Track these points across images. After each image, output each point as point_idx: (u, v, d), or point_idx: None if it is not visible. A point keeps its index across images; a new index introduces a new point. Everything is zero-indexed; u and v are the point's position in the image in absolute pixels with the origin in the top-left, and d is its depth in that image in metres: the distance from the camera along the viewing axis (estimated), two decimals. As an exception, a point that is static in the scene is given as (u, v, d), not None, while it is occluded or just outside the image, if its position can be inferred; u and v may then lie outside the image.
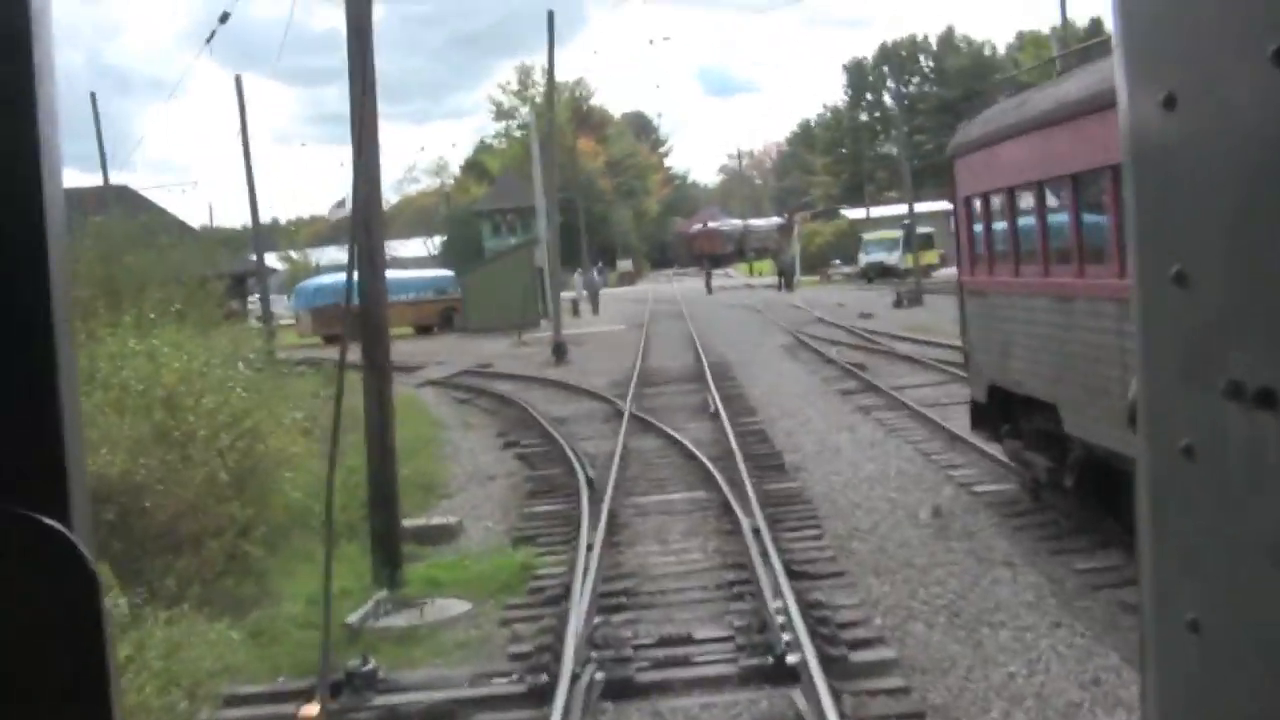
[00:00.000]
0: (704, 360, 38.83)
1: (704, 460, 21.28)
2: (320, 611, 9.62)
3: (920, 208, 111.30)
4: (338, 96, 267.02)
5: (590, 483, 20.16)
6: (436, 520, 19.09)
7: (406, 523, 18.83)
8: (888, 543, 15.68)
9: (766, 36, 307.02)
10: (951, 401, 26.55)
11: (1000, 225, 16.28)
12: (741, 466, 20.29)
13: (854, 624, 12.42)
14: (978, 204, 17.26)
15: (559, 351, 43.91)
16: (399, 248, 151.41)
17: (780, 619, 12.16)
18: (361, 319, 15.94)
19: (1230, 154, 1.32)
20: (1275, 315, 1.26)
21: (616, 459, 22.07)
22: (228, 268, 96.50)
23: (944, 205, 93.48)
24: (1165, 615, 1.45)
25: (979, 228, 17.32)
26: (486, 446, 27.16)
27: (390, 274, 62.13)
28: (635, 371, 37.13)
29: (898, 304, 59.51)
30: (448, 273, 72.98)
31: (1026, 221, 15.48)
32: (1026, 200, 15.33)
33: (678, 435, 24.41)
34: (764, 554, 14.67)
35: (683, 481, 20.58)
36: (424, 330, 68.02)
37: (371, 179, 15.69)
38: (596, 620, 13.11)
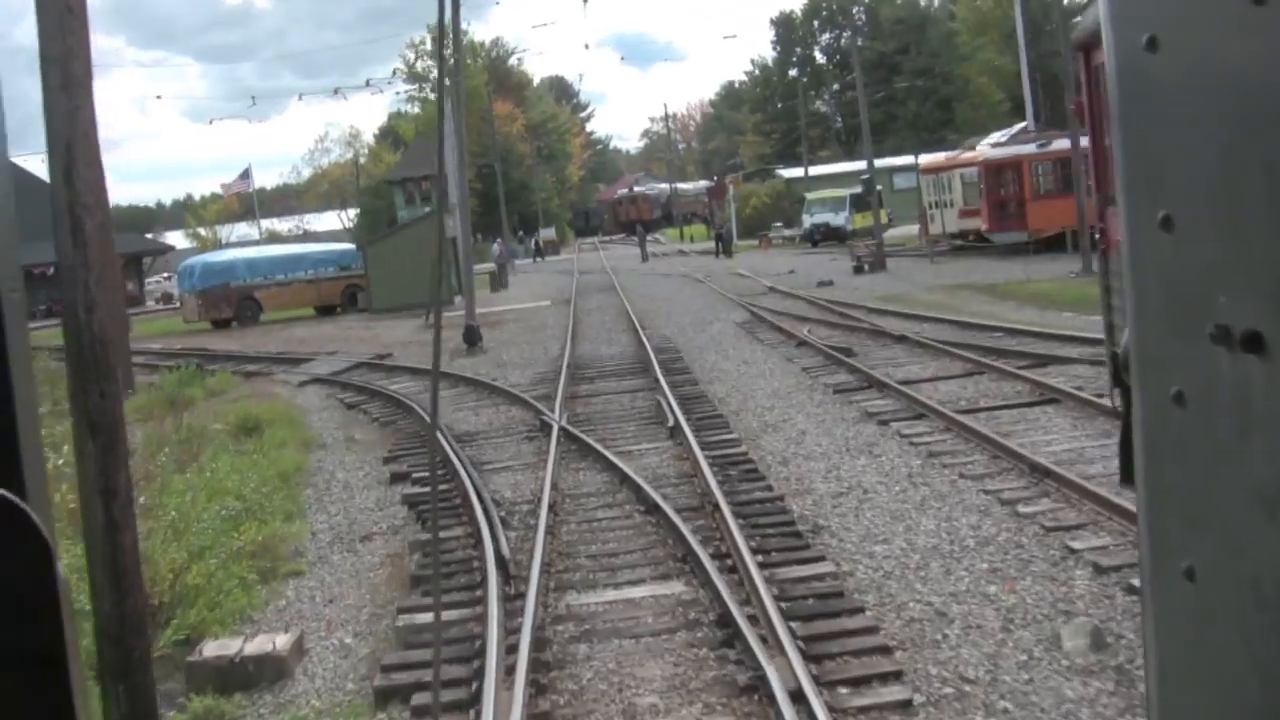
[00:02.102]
0: (647, 345, 31.79)
1: (672, 516, 14.25)
2: None
3: (861, 165, 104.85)
4: (253, 71, 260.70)
5: (504, 564, 13.10)
6: (257, 645, 11.87)
7: (211, 649, 11.79)
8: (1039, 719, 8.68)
9: (682, 4, 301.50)
10: (996, 405, 19.72)
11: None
12: (732, 528, 13.30)
13: None
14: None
15: (471, 337, 36.61)
16: (313, 221, 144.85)
17: None
18: (70, 332, 8.71)
19: (1213, 96, 1.30)
20: (1261, 258, 1.26)
21: (543, 514, 15.02)
22: (123, 248, 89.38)
23: (889, 161, 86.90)
24: (1162, 564, 1.45)
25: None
26: (368, 480, 20.06)
27: (287, 249, 54.85)
28: (564, 362, 30.05)
29: (858, 269, 52.68)
30: (349, 246, 65.28)
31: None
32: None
33: (628, 466, 17.36)
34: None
35: (647, 560, 13.42)
36: (327, 311, 60.63)
37: (75, 89, 8.55)
38: None
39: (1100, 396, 18.42)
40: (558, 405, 23.31)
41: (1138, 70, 1.41)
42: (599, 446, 18.93)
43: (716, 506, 14.41)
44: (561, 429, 20.69)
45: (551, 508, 15.49)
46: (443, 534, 15.53)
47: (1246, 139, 1.26)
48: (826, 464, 17.14)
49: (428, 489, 18.33)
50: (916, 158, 78.43)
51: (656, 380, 25.54)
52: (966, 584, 11.55)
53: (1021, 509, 13.67)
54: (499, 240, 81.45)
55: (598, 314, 44.93)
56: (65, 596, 1.32)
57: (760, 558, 12.48)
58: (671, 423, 20.23)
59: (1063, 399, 19.36)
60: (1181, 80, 1.35)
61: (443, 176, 46.56)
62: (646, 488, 15.79)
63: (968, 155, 58.45)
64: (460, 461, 18.77)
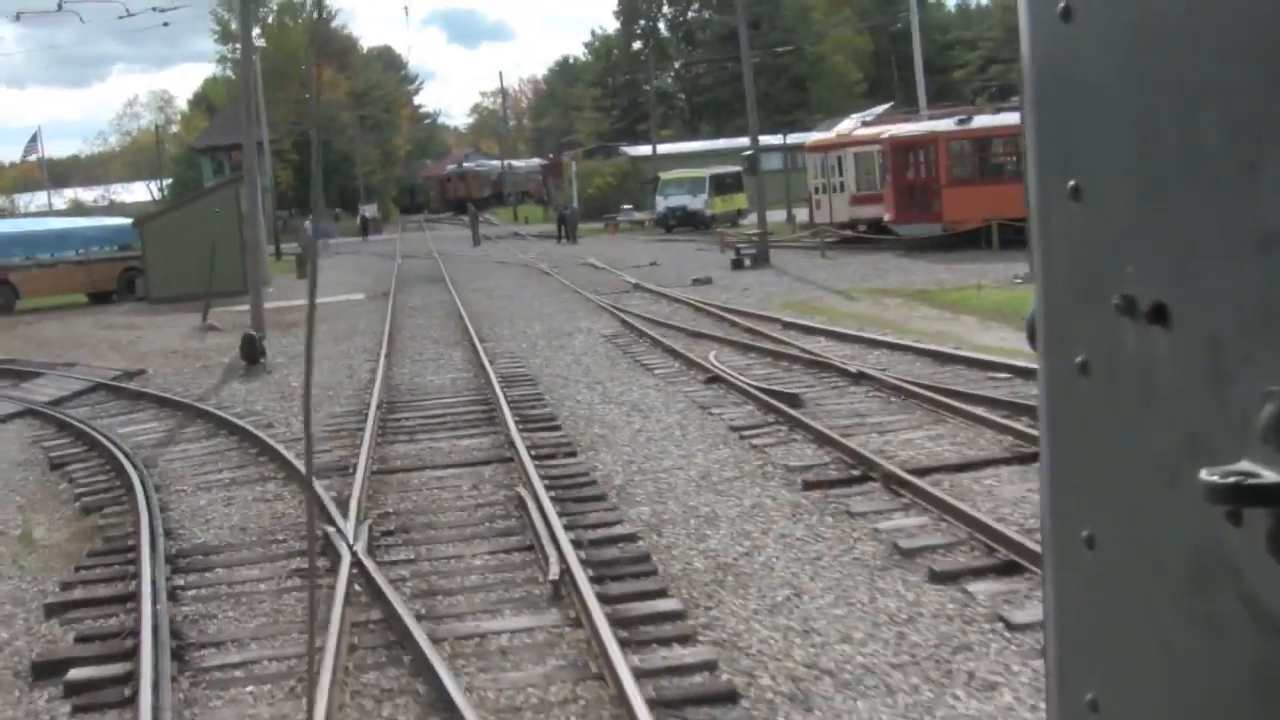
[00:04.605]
0: (490, 370, 22.90)
1: None
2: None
3: (714, 144, 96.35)
4: (72, 37, 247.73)
5: None
6: None
7: None
8: None
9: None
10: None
11: None
12: None
13: None
14: None
15: (250, 349, 27.06)
16: (121, 192, 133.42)
17: None
18: None
19: (1126, 67, 1.31)
20: (1169, 230, 1.27)
21: None
22: None
23: (744, 141, 78.79)
24: (1063, 531, 1.45)
25: None
26: (5, 662, 10.90)
27: (52, 223, 43.27)
28: (373, 395, 21.06)
29: (738, 264, 43.88)
30: (127, 222, 54.60)
31: None
32: None
33: (490, 713, 8.52)
34: None
35: None
36: (102, 298, 50.38)
37: None
38: None
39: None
40: (356, 496, 14.29)
41: (1051, 39, 1.39)
42: (422, 633, 9.89)
43: None
44: (357, 565, 11.67)
45: None
46: None
47: (1158, 110, 1.25)
48: (893, 713, 8.31)
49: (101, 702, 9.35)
50: (785, 137, 70.08)
51: (511, 443, 16.70)
52: None
53: None
54: (310, 218, 71.67)
55: (423, 315, 35.72)
56: None
57: None
58: (556, 569, 11.20)
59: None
60: (1094, 49, 1.34)
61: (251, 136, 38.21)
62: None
63: (865, 131, 49.98)
64: (154, 659, 9.76)
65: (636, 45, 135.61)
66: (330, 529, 13.04)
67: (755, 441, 16.41)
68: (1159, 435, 1.28)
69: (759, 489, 14.16)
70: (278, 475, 16.50)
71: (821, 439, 15.90)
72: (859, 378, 19.86)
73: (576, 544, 11.96)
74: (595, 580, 10.90)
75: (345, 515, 13.45)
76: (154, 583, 11.77)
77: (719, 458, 15.78)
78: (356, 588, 11.28)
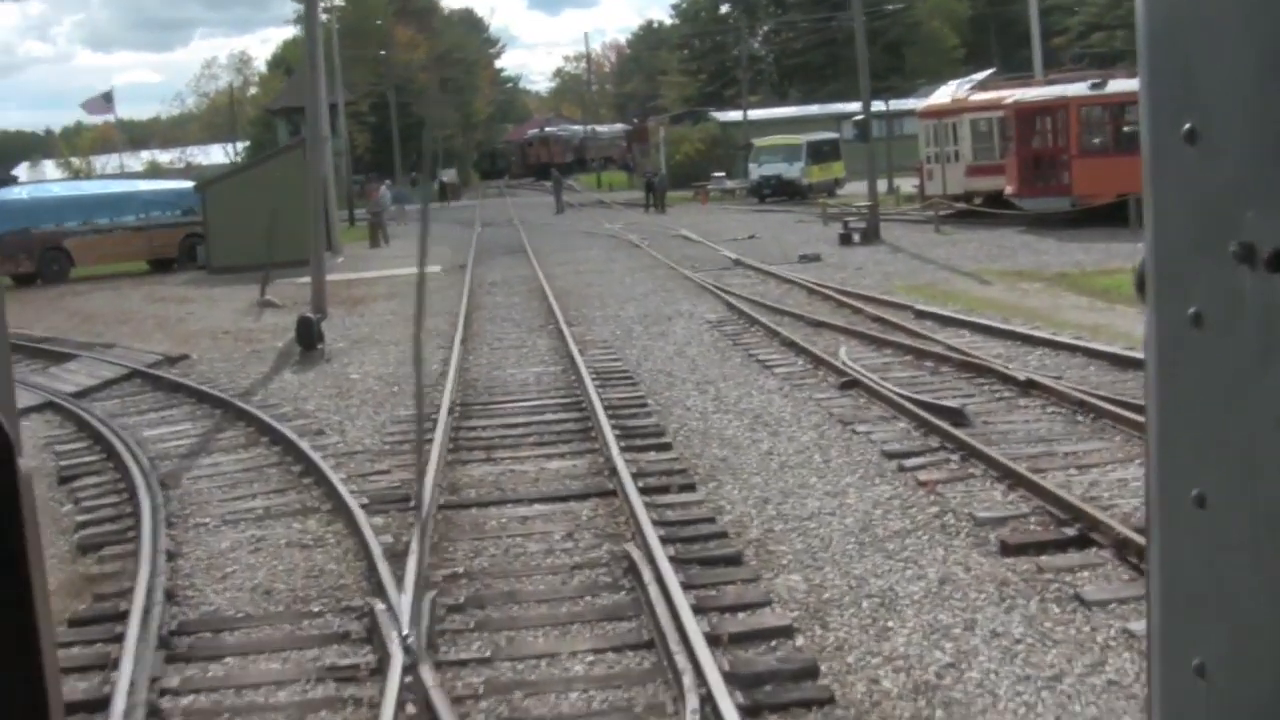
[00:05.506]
0: (579, 359, 19.72)
1: None
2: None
3: (807, 110, 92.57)
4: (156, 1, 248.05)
5: None
6: None
7: None
8: None
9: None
10: None
11: None
12: None
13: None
14: None
15: (306, 334, 23.73)
16: (198, 154, 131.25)
17: None
18: None
19: (1247, 2, 1.24)
20: None
21: None
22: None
23: (841, 107, 74.92)
24: (1172, 490, 1.39)
25: None
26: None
27: (109, 186, 39.10)
28: (445, 394, 17.84)
29: (846, 239, 40.25)
30: (189, 185, 51.46)
31: None
32: None
33: None
34: None
35: None
36: (164, 265, 47.53)
37: None
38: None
39: None
40: (417, 553, 10.99)
41: None
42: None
43: None
44: (411, 670, 8.39)
45: None
46: None
47: (1278, 48, 1.20)
48: None
49: None
50: (888, 103, 66.22)
51: (612, 468, 13.42)
52: None
53: None
54: (387, 182, 68.66)
55: (503, 293, 32.43)
56: (27, 491, 1.21)
57: None
58: (695, 701, 7.81)
59: None
60: None
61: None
62: None
63: (983, 96, 46.14)
64: None
65: (724, 8, 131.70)
66: (379, 605, 9.77)
67: (921, 475, 12.97)
68: (1278, 389, 1.22)
69: (942, 551, 10.73)
70: (321, 506, 13.26)
71: (1008, 475, 12.46)
72: (1028, 387, 16.36)
73: (713, 641, 8.64)
74: (750, 713, 7.57)
75: (400, 582, 10.16)
76: (133, 684, 8.57)
77: (878, 498, 12.37)
78: (410, 708, 8.01)
